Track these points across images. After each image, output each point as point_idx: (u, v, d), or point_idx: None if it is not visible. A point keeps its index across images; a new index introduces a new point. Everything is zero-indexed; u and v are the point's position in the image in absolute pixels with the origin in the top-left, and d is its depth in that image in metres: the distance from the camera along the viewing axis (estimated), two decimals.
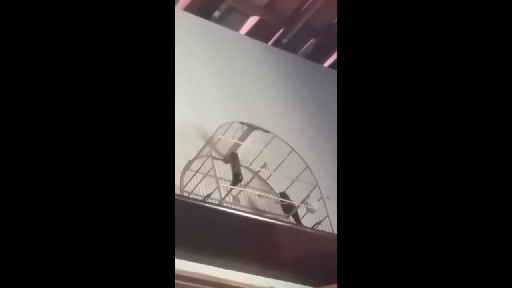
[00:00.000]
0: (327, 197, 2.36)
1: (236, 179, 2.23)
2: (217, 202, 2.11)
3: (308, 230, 2.27)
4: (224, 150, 2.41)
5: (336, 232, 2.28)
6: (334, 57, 3.28)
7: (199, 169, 2.23)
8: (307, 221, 2.34)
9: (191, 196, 2.16)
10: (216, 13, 2.91)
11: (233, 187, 2.22)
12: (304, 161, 2.40)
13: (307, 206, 2.31)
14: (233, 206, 2.22)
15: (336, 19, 3.13)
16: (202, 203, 2.05)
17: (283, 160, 2.39)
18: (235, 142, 2.37)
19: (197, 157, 2.30)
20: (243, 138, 2.39)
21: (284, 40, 3.11)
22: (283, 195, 2.37)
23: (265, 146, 2.41)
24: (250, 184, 2.38)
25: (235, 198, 2.29)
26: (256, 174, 2.42)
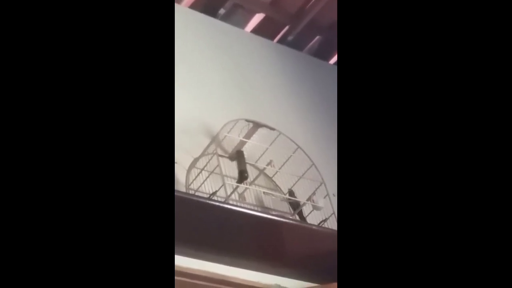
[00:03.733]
0: (333, 195, 2.35)
1: (242, 176, 2.24)
2: (223, 200, 2.11)
3: (314, 227, 2.26)
4: (230, 147, 2.41)
5: None
6: None
7: (204, 166, 2.23)
8: (313, 219, 2.33)
9: (197, 193, 2.16)
10: (222, 11, 2.91)
11: (238, 184, 2.22)
12: (310, 158, 2.40)
13: (313, 204, 2.30)
14: (239, 204, 2.22)
15: None
16: (208, 201, 2.06)
17: (289, 158, 2.39)
18: (240, 140, 2.37)
19: (202, 154, 2.30)
20: (248, 135, 2.39)
21: (290, 37, 3.11)
22: (290, 193, 2.37)
23: (271, 143, 2.41)
24: (256, 182, 2.38)
25: (240, 195, 2.29)
26: (262, 171, 2.42)
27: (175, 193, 1.84)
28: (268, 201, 2.39)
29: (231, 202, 2.14)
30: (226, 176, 2.23)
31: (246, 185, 2.29)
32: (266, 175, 2.46)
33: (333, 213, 2.29)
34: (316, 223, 2.29)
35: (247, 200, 2.31)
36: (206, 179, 2.20)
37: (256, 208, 2.30)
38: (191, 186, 2.20)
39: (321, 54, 3.23)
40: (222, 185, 2.12)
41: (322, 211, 2.32)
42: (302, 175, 2.37)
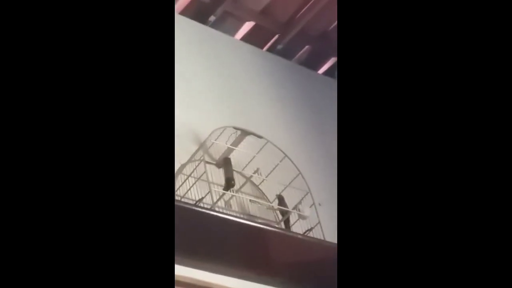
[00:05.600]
0: (319, 204, 2.36)
1: (229, 184, 2.24)
2: (209, 207, 2.10)
3: (299, 236, 2.26)
4: (217, 154, 2.42)
5: (327, 239, 2.29)
6: (328, 64, 3.29)
7: (191, 173, 2.23)
8: (299, 228, 2.34)
9: (183, 200, 2.15)
10: (212, 18, 2.91)
11: (225, 191, 2.22)
12: (296, 167, 2.40)
13: (298, 213, 2.31)
14: (225, 211, 2.22)
15: (331, 27, 3.14)
16: (194, 207, 2.05)
17: (276, 166, 2.39)
18: (228, 147, 2.37)
19: (190, 161, 2.30)
20: (236, 143, 2.39)
21: (279, 46, 3.11)
22: (280, 198, 2.37)
23: (258, 151, 2.41)
24: (242, 189, 2.38)
25: (227, 203, 2.29)
26: (248, 179, 2.42)
27: None
28: (254, 209, 2.39)
29: (217, 209, 2.14)
30: (213, 183, 2.23)
31: (233, 192, 2.29)
32: (252, 183, 2.46)
33: (319, 222, 2.30)
34: (301, 232, 2.30)
35: (233, 207, 2.31)
36: (192, 185, 2.20)
37: (242, 216, 2.30)
38: (178, 192, 2.19)
39: (310, 63, 3.25)
40: (208, 192, 2.12)
41: (308, 220, 2.32)
42: (289, 183, 2.37)
